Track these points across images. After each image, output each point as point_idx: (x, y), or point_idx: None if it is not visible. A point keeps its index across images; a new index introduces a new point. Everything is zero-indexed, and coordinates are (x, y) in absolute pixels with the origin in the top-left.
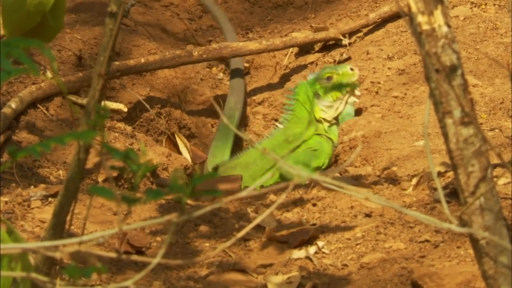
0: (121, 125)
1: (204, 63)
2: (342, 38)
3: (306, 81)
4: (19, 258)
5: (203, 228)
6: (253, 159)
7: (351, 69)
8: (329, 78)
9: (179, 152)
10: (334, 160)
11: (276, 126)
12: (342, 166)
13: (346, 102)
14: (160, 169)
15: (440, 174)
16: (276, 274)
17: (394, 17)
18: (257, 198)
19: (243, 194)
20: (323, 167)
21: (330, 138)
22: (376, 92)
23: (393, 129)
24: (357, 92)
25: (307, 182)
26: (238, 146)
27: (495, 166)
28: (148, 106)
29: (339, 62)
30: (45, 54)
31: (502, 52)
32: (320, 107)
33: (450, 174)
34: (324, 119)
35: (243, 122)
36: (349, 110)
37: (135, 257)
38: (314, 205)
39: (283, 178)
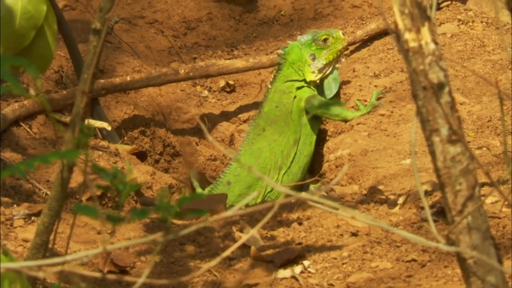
0: (105, 143)
1: (189, 80)
2: None
3: (298, 42)
4: (17, 279)
5: (188, 248)
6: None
7: (343, 34)
8: (325, 40)
9: None
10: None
11: (267, 86)
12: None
13: (334, 67)
14: (144, 188)
15: (427, 193)
16: None
17: (381, 34)
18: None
19: (228, 213)
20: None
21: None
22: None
23: (380, 148)
24: (342, 59)
25: (292, 201)
26: None
27: (482, 184)
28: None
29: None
30: (29, 71)
31: (489, 69)
32: (312, 69)
33: (437, 193)
34: (312, 81)
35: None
36: (335, 75)
37: (119, 277)
38: (300, 224)
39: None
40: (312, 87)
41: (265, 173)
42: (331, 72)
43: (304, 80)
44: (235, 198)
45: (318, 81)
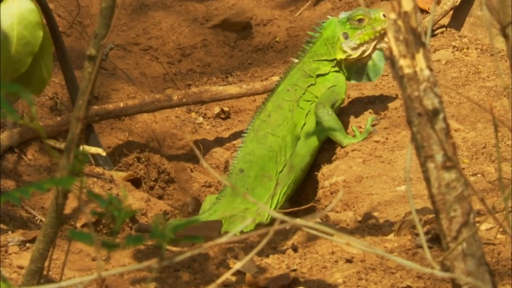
0: (99, 169)
1: (184, 107)
2: None
3: (337, 18)
4: None
5: (183, 274)
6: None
7: (384, 16)
8: (360, 20)
9: None
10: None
11: (292, 61)
12: (323, 211)
13: (375, 48)
14: (139, 215)
15: (422, 220)
16: None
17: None
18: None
19: (223, 239)
20: (341, 103)
21: (346, 76)
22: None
23: (375, 174)
24: (386, 39)
25: (287, 228)
26: None
27: (477, 211)
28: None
29: None
30: (25, 98)
31: (484, 96)
32: (344, 48)
33: (432, 219)
34: (344, 59)
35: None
36: (379, 57)
37: None
38: (294, 250)
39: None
40: (344, 69)
41: (272, 157)
42: (370, 54)
43: (335, 60)
44: (252, 181)
45: (352, 60)
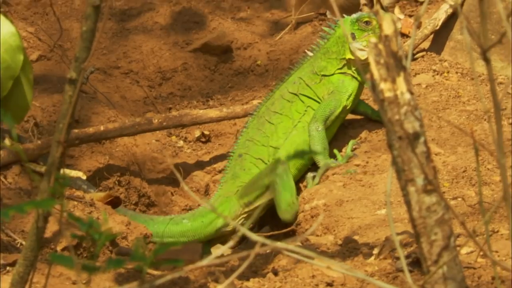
0: (80, 193)
1: (164, 131)
2: None
3: (350, 17)
4: None
5: None
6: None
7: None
8: (367, 23)
9: None
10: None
11: (306, 53)
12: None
13: None
14: (119, 238)
15: (402, 243)
16: None
17: None
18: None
19: (204, 263)
20: (348, 108)
21: (355, 77)
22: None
23: (355, 198)
24: None
25: (268, 251)
26: None
27: (458, 235)
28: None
29: None
30: (5, 121)
31: (464, 120)
32: (352, 48)
33: (413, 242)
34: (352, 59)
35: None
36: None
37: None
38: (275, 274)
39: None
40: (355, 72)
41: (265, 142)
42: None
43: (345, 59)
44: (249, 164)
45: (361, 61)
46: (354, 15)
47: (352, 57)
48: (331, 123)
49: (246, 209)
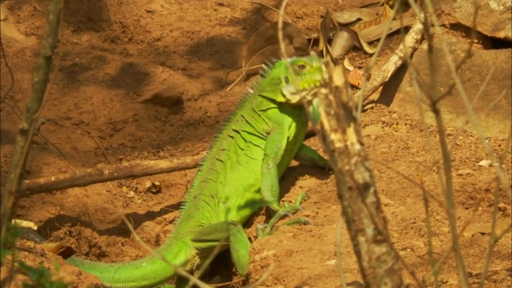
0: (31, 243)
1: (115, 181)
2: None
3: (285, 61)
4: None
5: None
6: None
7: (325, 66)
8: (302, 67)
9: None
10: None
11: (248, 90)
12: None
13: (316, 95)
14: None
15: None
16: None
17: (308, 135)
18: None
19: None
20: (291, 139)
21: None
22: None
23: (305, 248)
24: (322, 90)
25: None
26: None
27: (407, 285)
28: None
29: None
30: None
31: (413, 171)
32: (283, 91)
33: None
34: (285, 102)
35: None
36: (316, 106)
37: None
38: None
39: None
40: (287, 108)
41: (215, 179)
42: (311, 100)
43: (274, 100)
44: (202, 203)
45: (294, 103)
46: (289, 59)
47: (281, 100)
48: (281, 158)
49: (201, 251)
